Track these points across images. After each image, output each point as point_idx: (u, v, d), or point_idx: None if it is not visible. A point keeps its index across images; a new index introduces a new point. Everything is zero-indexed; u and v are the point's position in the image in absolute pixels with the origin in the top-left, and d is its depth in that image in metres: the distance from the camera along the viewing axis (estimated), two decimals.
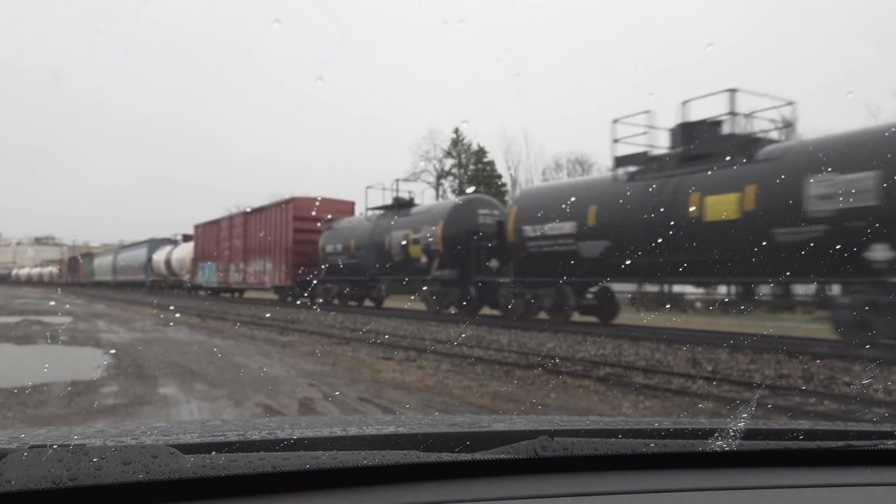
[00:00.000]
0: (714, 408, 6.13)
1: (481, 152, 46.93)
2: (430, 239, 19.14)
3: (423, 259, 19.52)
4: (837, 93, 44.80)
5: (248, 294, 32.78)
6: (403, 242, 20.26)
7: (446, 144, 47.22)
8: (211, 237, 33.36)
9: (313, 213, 26.01)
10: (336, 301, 24.21)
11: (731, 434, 1.11)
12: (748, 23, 56.72)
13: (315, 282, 24.58)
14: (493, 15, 76.82)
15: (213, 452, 0.90)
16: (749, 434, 1.13)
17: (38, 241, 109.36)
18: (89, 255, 63.45)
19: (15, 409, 5.62)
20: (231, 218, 31.64)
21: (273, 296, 28.20)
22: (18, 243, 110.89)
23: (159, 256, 41.66)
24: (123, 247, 53.37)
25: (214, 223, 33.01)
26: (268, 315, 18.51)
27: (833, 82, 46.18)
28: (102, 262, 56.67)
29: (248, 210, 30.29)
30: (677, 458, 1.09)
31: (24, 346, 10.63)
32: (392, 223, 21.08)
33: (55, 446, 0.85)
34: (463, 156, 47.04)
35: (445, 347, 10.76)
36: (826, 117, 43.42)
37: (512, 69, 71.59)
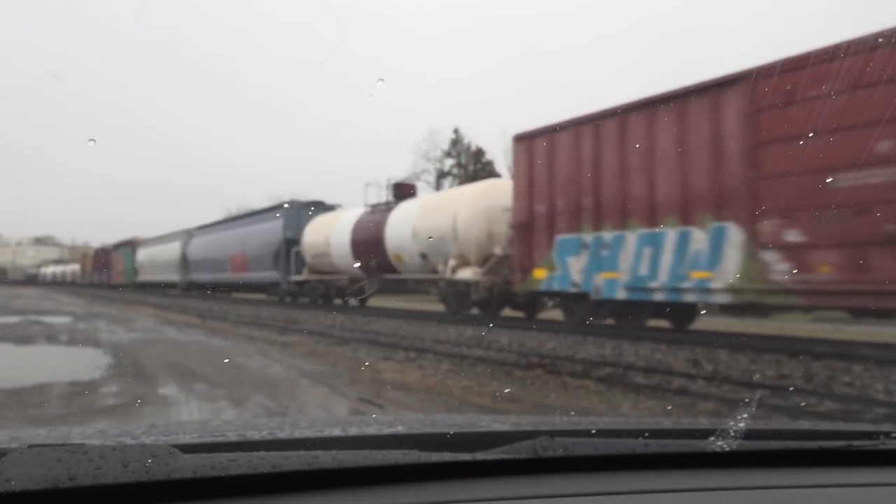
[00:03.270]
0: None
1: (480, 153, 46.85)
2: None
3: None
4: None
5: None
6: None
7: (446, 144, 47.14)
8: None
9: None
10: None
11: (731, 434, 1.11)
12: (749, 23, 56.80)
13: None
14: (493, 17, 76.81)
15: (213, 452, 0.89)
16: (749, 434, 1.13)
17: (38, 241, 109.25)
18: (129, 244, 42.97)
19: (15, 409, 5.61)
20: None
21: None
22: (18, 243, 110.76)
23: (321, 234, 20.41)
24: (208, 225, 31.44)
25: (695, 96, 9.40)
26: None
27: None
28: (156, 255, 36.54)
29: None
30: (677, 458, 1.09)
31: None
32: None
33: (54, 446, 0.85)
34: (462, 156, 46.92)
35: None
36: None
37: (511, 70, 71.63)
